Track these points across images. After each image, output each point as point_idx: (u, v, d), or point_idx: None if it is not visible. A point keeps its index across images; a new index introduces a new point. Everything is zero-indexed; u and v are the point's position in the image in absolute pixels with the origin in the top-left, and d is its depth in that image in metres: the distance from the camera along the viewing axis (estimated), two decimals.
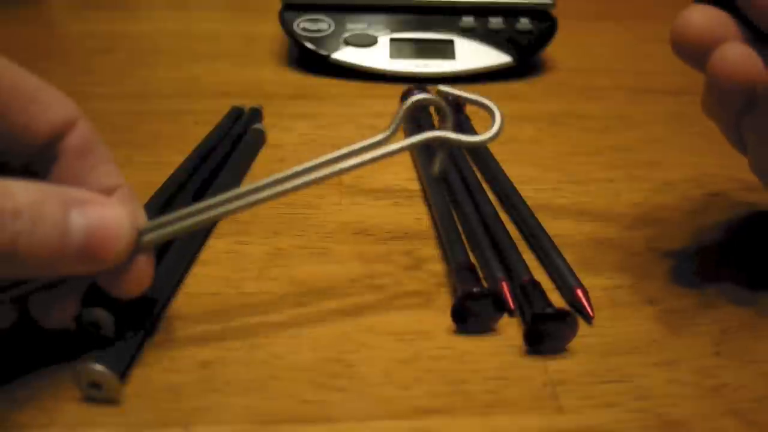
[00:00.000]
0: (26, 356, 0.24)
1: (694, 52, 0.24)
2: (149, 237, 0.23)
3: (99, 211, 0.21)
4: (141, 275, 0.22)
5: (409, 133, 0.40)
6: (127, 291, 0.22)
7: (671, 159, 0.39)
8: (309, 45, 0.49)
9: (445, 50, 0.49)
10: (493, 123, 0.24)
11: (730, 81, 0.23)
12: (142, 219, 0.23)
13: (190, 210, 0.23)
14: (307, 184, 0.23)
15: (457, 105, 0.41)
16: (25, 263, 0.19)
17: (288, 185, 0.23)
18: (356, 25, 0.50)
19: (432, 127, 0.39)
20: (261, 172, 0.36)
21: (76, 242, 0.20)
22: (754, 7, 0.24)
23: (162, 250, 0.28)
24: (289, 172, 0.23)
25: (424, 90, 0.41)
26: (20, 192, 0.19)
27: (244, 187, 0.23)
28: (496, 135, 0.24)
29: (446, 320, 0.26)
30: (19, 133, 0.22)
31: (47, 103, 0.22)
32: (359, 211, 0.33)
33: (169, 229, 0.23)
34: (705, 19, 0.24)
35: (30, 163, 0.23)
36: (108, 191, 0.23)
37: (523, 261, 0.28)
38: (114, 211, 0.21)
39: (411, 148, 0.24)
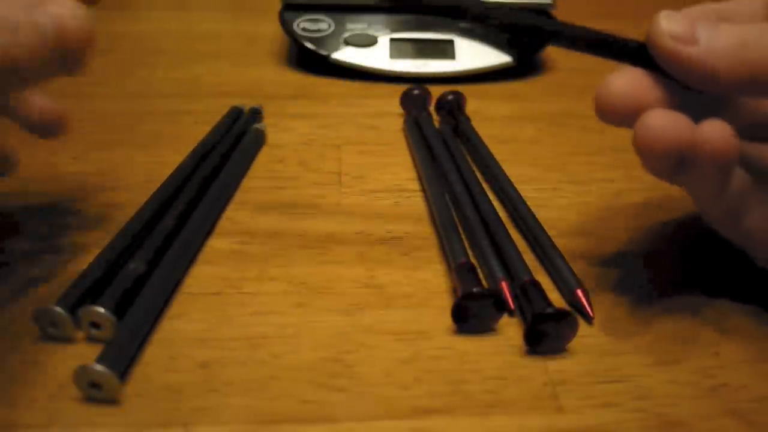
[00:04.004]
0: None
1: (620, 120, 0.23)
2: None
3: (54, 6, 0.23)
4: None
5: (408, 130, 0.40)
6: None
7: None
8: (309, 45, 0.49)
9: (445, 50, 0.49)
10: None
11: (655, 151, 0.22)
12: None
13: None
14: None
15: (458, 105, 0.41)
16: (18, 69, 0.22)
17: None
18: (356, 25, 0.50)
19: (432, 127, 0.39)
20: (261, 172, 0.36)
21: (50, 35, 0.22)
22: (675, 65, 0.23)
23: (161, 251, 0.28)
24: None
25: (424, 89, 0.41)
26: None
27: None
28: None
29: (446, 320, 0.26)
30: None
31: None
32: (359, 211, 0.33)
33: None
34: (627, 85, 0.23)
35: None
36: None
37: (523, 261, 0.28)
38: (65, 2, 0.23)
39: None
